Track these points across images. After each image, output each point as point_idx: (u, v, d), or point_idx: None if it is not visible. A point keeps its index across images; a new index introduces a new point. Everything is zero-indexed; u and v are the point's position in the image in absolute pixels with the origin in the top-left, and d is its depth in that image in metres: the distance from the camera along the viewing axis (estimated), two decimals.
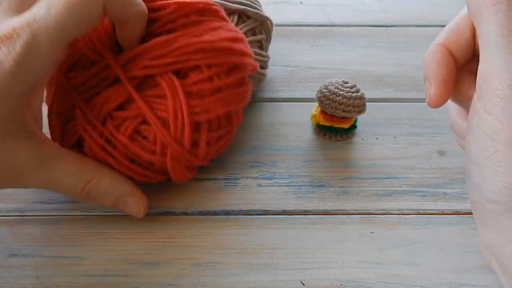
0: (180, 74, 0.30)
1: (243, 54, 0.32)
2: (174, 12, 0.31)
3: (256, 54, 0.37)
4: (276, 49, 0.46)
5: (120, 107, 0.30)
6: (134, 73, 0.30)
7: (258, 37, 0.39)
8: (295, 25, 0.49)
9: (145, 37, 0.31)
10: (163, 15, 0.31)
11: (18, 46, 0.25)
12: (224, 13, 0.33)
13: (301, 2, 0.52)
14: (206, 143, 0.31)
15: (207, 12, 0.32)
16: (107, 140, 0.30)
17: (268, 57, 0.41)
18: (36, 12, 0.26)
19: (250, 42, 0.38)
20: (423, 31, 0.48)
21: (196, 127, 0.30)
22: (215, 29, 0.31)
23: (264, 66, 0.40)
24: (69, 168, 0.29)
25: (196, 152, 0.31)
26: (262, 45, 0.40)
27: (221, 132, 0.32)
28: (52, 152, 0.29)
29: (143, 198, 0.31)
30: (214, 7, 0.32)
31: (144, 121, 0.30)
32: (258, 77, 0.40)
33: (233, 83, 0.31)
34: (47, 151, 0.28)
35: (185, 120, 0.29)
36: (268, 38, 0.42)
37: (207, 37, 0.30)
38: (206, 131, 0.31)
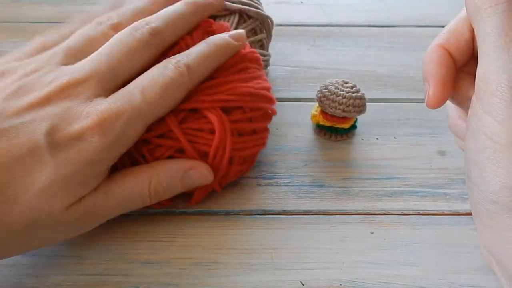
0: (225, 110, 0.31)
1: (273, 102, 0.34)
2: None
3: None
4: (277, 49, 0.46)
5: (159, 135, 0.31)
6: (181, 106, 0.31)
7: (259, 36, 0.39)
8: (296, 25, 0.49)
9: None
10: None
11: (114, 131, 0.27)
12: (261, 61, 0.35)
13: (302, 2, 0.52)
14: (234, 174, 0.33)
15: (252, 60, 0.34)
16: (135, 162, 0.31)
17: (269, 55, 0.41)
18: (132, 98, 0.28)
19: (251, 42, 0.38)
20: (423, 31, 0.49)
21: (230, 160, 0.32)
22: (257, 77, 0.33)
23: (266, 64, 0.41)
24: (127, 185, 0.29)
25: (222, 182, 0.33)
26: (263, 44, 0.40)
27: (246, 165, 0.34)
28: (109, 182, 0.29)
29: (199, 162, 0.31)
30: (256, 55, 0.34)
31: (180, 149, 0.31)
32: None
33: (265, 127, 0.34)
34: (107, 186, 0.29)
35: (226, 155, 0.31)
36: (269, 37, 0.42)
37: (253, 84, 0.33)
38: (237, 165, 0.33)
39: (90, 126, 0.26)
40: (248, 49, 0.34)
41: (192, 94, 0.31)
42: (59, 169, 0.26)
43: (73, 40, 0.30)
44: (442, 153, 0.37)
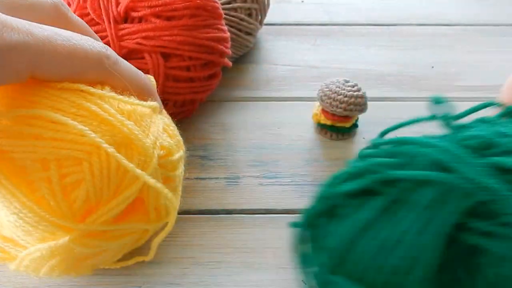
0: (163, 55, 0.34)
1: (221, 53, 0.36)
2: (177, 2, 0.34)
3: (242, 20, 0.41)
4: (278, 48, 0.46)
5: None
6: (126, 45, 0.34)
7: (248, 5, 0.41)
8: (297, 24, 0.49)
9: (148, 14, 0.33)
10: (168, 2, 0.34)
11: None
12: (221, 10, 0.36)
13: (303, 1, 0.52)
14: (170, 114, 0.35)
15: (206, 8, 0.35)
16: None
17: (256, 25, 0.43)
18: (38, 31, 0.22)
19: (238, 8, 0.41)
20: (424, 29, 0.48)
21: (164, 101, 0.34)
22: (206, 26, 0.35)
23: (250, 32, 0.43)
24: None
25: None
26: (251, 13, 0.42)
27: (184, 109, 0.37)
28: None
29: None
30: (212, 4, 0.35)
31: None
32: (244, 43, 0.42)
33: (205, 76, 0.36)
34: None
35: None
36: (262, 9, 0.43)
37: (196, 33, 0.34)
38: (172, 107, 0.36)
39: None
40: None
41: (135, 33, 0.33)
42: None
43: None
44: None
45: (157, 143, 0.25)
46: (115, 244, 0.26)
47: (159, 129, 0.26)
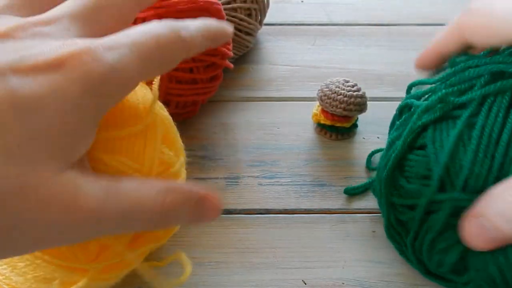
0: None
1: (224, 55, 0.36)
2: (181, 4, 0.34)
3: (241, 20, 0.41)
4: (277, 49, 0.46)
5: None
6: None
7: (248, 5, 0.41)
8: (296, 24, 0.49)
9: (151, 15, 0.33)
10: (171, 4, 0.34)
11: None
12: (223, 12, 0.36)
13: (302, 1, 0.52)
14: (172, 115, 0.34)
15: (210, 10, 0.35)
16: None
17: (256, 25, 0.43)
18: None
19: (238, 8, 0.41)
20: (423, 29, 0.48)
21: (166, 102, 0.35)
22: None
23: (250, 33, 0.43)
24: (136, 180, 0.22)
25: None
26: (251, 14, 0.42)
27: (186, 110, 0.37)
28: (110, 177, 0.21)
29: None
30: (215, 6, 0.35)
31: None
32: (244, 43, 0.42)
33: (207, 78, 0.36)
34: (105, 179, 0.21)
35: (160, 97, 0.32)
36: (262, 9, 0.43)
37: None
38: (174, 108, 0.36)
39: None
40: None
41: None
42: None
43: None
44: None
45: (154, 167, 0.24)
46: (133, 266, 0.26)
47: (155, 147, 0.24)
